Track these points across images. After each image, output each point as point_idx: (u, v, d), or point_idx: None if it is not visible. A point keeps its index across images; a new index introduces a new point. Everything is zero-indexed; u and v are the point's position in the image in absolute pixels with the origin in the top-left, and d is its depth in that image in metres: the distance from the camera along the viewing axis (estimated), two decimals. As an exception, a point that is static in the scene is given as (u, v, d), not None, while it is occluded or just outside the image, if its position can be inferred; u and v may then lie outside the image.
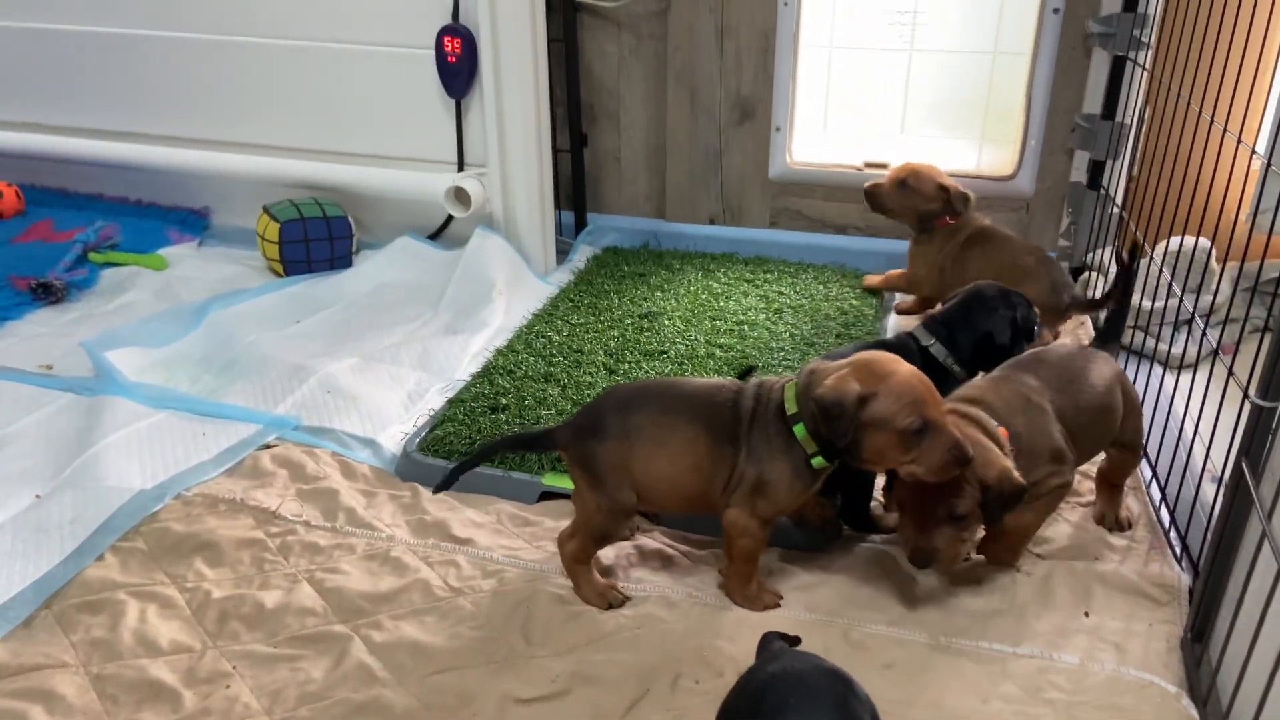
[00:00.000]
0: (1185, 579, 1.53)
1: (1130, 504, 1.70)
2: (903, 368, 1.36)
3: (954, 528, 1.38)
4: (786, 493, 1.41)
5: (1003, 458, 1.38)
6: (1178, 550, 1.60)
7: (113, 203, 3.08)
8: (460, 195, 2.66)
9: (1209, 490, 1.63)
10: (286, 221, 2.65)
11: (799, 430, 1.38)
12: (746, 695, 1.04)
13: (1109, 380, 1.57)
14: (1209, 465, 1.63)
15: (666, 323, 2.36)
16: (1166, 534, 1.64)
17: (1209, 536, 1.41)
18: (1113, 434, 1.59)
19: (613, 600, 1.47)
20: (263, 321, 2.38)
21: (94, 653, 1.38)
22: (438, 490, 1.56)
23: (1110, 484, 1.68)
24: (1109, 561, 1.57)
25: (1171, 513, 1.68)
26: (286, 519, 1.67)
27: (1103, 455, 1.66)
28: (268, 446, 1.88)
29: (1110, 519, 1.66)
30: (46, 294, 2.49)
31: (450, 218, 2.76)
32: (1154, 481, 1.78)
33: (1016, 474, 1.37)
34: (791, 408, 1.39)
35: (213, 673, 1.35)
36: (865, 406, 1.32)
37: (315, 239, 2.68)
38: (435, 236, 2.86)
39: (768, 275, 2.67)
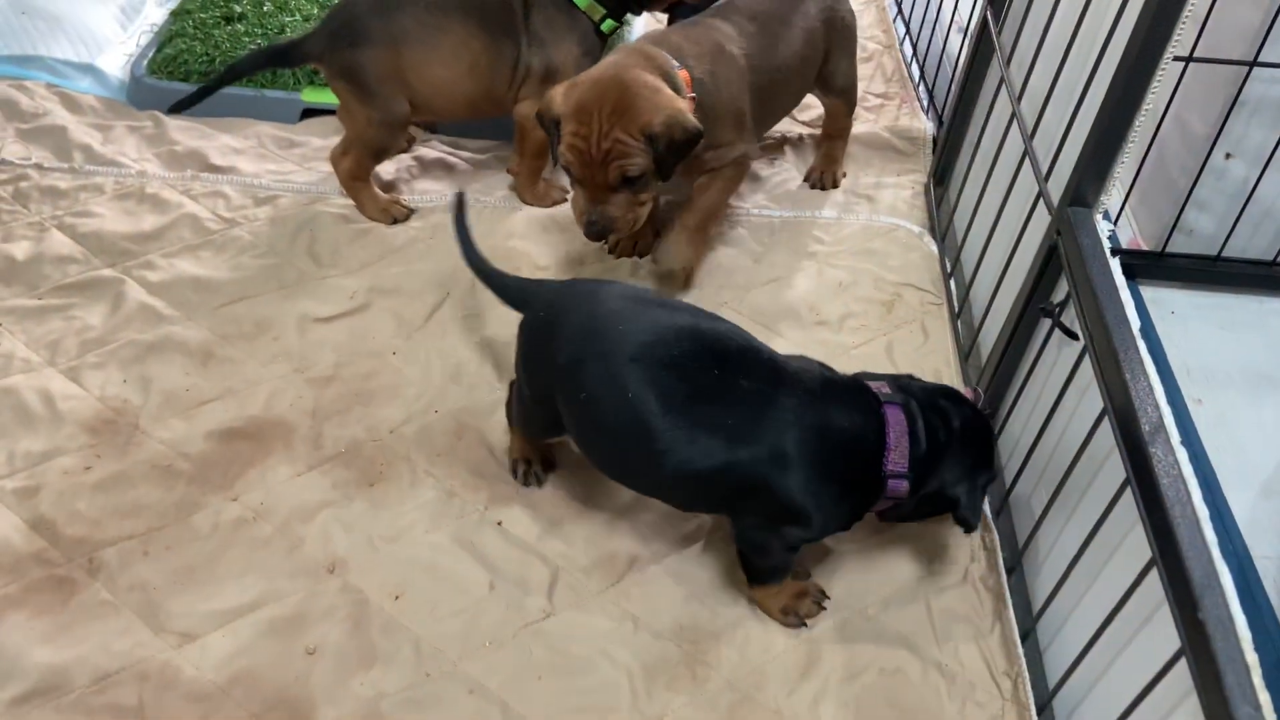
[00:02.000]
0: (930, 128, 1.65)
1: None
2: None
3: (628, 192, 1.22)
4: (577, 72, 1.37)
5: (674, 100, 1.20)
6: (925, 103, 1.72)
7: None
8: None
9: (956, 42, 1.72)
10: None
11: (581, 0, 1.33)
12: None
13: (813, 22, 1.40)
14: (957, 17, 1.70)
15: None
16: (916, 88, 1.75)
17: (954, 85, 1.51)
18: (809, 85, 1.46)
19: (397, 215, 1.45)
20: None
21: None
22: (173, 111, 1.45)
23: (829, 137, 1.57)
24: (864, 123, 1.67)
25: (921, 66, 1.78)
26: (13, 163, 1.49)
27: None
28: (-36, 85, 1.62)
29: (829, 178, 1.55)
30: None
31: None
32: (906, 38, 1.86)
33: (690, 118, 1.19)
34: None
35: (-24, 333, 1.27)
36: None
37: None
38: None
39: None
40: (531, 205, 1.49)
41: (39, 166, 1.50)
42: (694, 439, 0.90)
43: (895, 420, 0.93)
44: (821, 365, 0.99)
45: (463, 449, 1.16)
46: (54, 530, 1.07)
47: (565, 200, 1.50)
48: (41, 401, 1.19)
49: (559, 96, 1.20)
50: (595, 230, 1.23)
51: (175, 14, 1.76)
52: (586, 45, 1.37)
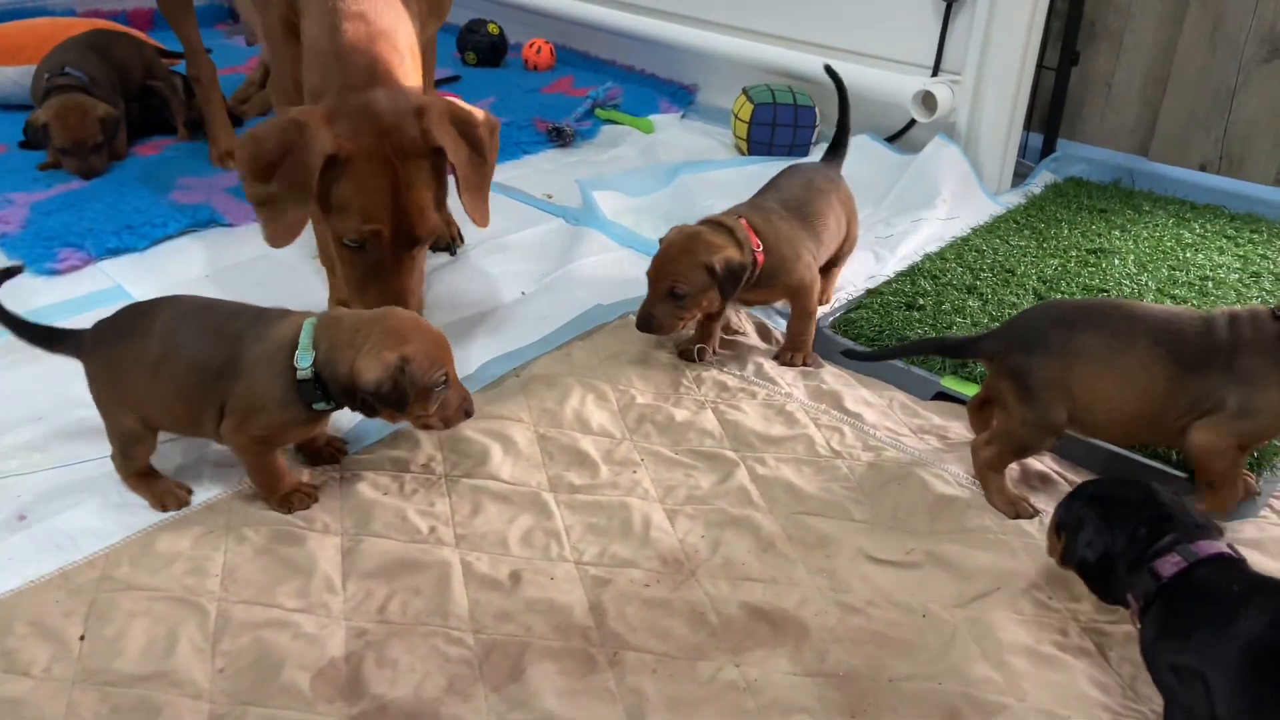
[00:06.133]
0: None
1: None
2: None
3: (672, 304, 1.75)
4: (1274, 425, 1.37)
5: (728, 248, 1.75)
6: None
7: (621, 69, 3.51)
8: (927, 100, 2.66)
9: None
10: (760, 104, 2.85)
11: None
12: None
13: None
14: None
15: (1117, 262, 2.21)
16: None
17: None
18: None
19: (1023, 512, 1.48)
20: (722, 190, 2.61)
21: (543, 417, 1.71)
22: (848, 354, 1.74)
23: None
24: None
25: None
26: (706, 362, 1.89)
27: None
28: (703, 295, 2.12)
29: None
30: (558, 137, 2.94)
31: (912, 121, 2.78)
32: None
33: (737, 256, 1.74)
34: None
35: (625, 459, 1.62)
36: None
37: (781, 124, 2.85)
38: (893, 139, 2.89)
39: (1255, 236, 2.37)
40: None
41: (720, 366, 1.88)
42: None
43: None
44: None
45: (949, 732, 1.13)
46: (603, 617, 1.30)
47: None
48: (641, 524, 1.47)
49: None
50: (641, 325, 1.80)
51: (871, 292, 2.09)
52: None
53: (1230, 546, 1.13)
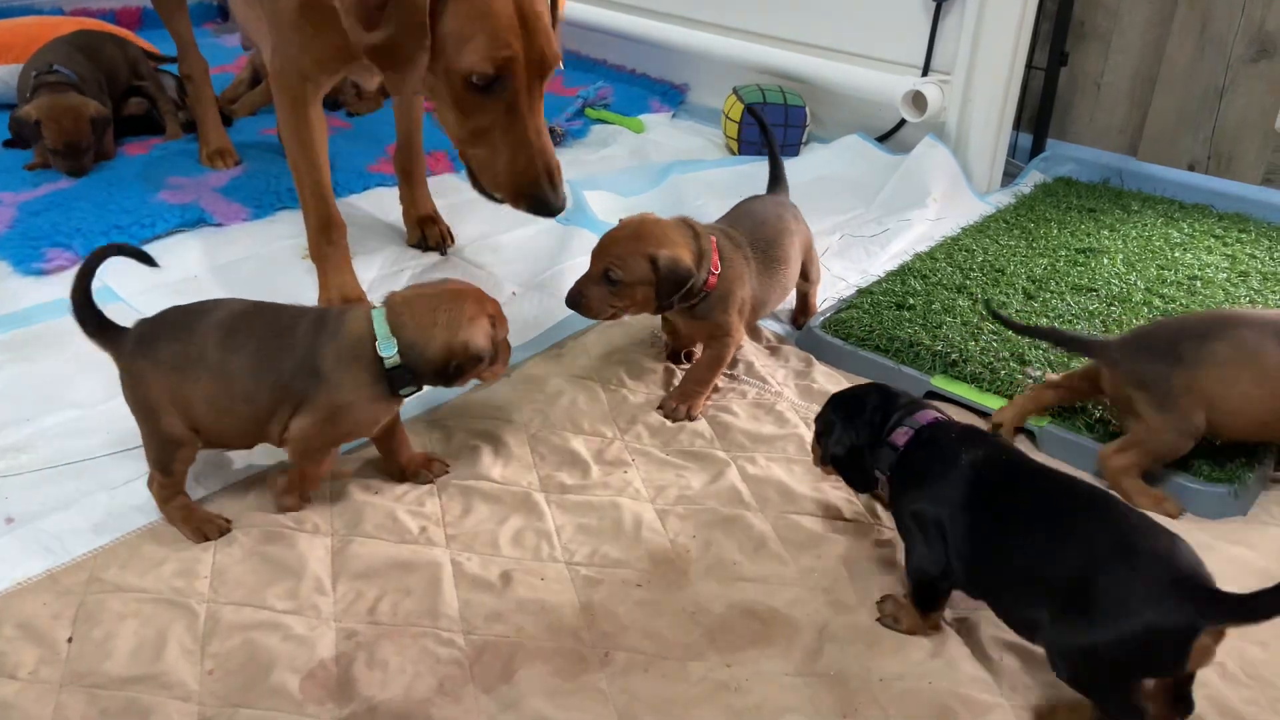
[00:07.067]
0: None
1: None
2: None
3: (606, 288, 1.61)
4: None
5: (681, 248, 1.61)
6: None
7: (612, 69, 3.51)
8: (918, 100, 2.67)
9: None
10: (750, 104, 2.85)
11: None
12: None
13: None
14: None
15: (1106, 261, 2.22)
16: None
17: None
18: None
19: (1169, 510, 1.48)
20: (712, 190, 2.61)
21: (534, 418, 1.71)
22: (993, 313, 1.73)
23: None
24: None
25: None
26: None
27: None
28: (694, 295, 2.11)
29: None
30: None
31: (902, 121, 2.79)
32: None
33: (686, 260, 1.60)
34: None
35: (616, 459, 1.61)
36: None
37: (771, 124, 2.85)
38: (884, 139, 2.90)
39: (1243, 235, 2.38)
40: None
41: (713, 365, 1.88)
42: None
43: None
44: None
45: (939, 731, 1.14)
46: (593, 617, 1.30)
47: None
48: (632, 524, 1.47)
49: None
50: (569, 300, 1.66)
51: (861, 291, 2.10)
52: None
53: (940, 411, 1.34)
